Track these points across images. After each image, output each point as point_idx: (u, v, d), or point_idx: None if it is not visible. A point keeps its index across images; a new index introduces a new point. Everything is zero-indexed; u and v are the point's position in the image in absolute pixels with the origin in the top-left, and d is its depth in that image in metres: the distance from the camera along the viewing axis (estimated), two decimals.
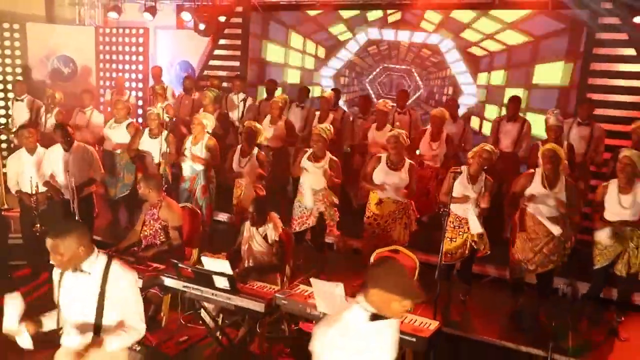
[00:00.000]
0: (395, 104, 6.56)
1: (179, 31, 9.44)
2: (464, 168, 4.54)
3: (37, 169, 5.28)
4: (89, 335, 2.67)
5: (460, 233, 4.46)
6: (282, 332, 4.52)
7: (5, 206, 5.53)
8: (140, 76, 9.03)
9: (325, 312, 3.40)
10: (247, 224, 4.45)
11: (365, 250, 4.94)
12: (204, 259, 3.83)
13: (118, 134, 6.29)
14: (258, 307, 3.68)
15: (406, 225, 4.86)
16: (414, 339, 3.15)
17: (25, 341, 2.75)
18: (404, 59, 7.40)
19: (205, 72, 8.25)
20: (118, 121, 6.31)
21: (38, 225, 5.19)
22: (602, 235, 4.34)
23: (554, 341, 3.77)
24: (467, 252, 4.50)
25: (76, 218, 5.13)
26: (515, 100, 5.97)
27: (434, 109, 6.24)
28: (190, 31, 9.23)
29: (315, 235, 5.20)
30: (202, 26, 8.68)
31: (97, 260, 2.68)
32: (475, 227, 4.39)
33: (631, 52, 5.86)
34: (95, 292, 2.65)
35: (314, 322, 4.30)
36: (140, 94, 9.01)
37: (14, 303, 2.69)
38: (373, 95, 7.47)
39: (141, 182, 4.65)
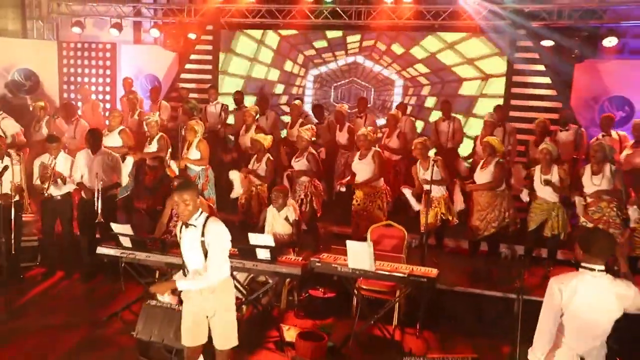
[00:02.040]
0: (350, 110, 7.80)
1: (141, 46, 10.08)
2: None
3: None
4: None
5: (432, 208, 5.72)
6: (293, 301, 5.56)
7: (29, 211, 5.98)
8: (108, 88, 9.54)
9: (356, 268, 4.49)
10: (270, 210, 5.42)
11: (354, 229, 6.08)
12: (251, 235, 4.74)
13: (112, 140, 6.88)
14: (295, 271, 4.69)
15: (380, 207, 6.05)
16: (425, 279, 4.36)
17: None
18: (365, 78, 8.67)
19: (179, 85, 8.97)
20: (111, 129, 6.91)
21: None
22: (532, 205, 5.80)
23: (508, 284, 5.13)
24: (438, 222, 5.80)
25: (99, 218, 5.83)
26: (446, 102, 7.44)
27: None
28: (154, 46, 9.96)
29: (307, 219, 6.25)
30: (169, 42, 9.48)
31: (199, 217, 3.49)
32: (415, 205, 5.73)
33: (541, 67, 7.51)
34: (199, 241, 3.45)
35: (321, 290, 5.43)
36: (108, 105, 9.51)
37: None
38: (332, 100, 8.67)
39: (177, 179, 5.45)
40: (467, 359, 4.01)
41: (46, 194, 5.82)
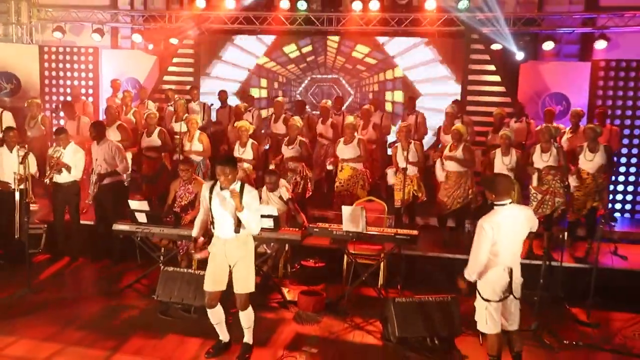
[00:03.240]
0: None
1: (122, 51, 10.57)
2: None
3: None
4: (232, 234, 4.22)
5: (407, 185, 6.58)
6: (287, 272, 6.27)
7: (32, 200, 6.41)
8: (90, 91, 9.96)
9: (350, 230, 5.27)
10: (263, 190, 6.12)
11: (337, 207, 6.85)
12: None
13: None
14: (295, 237, 5.43)
15: (362, 187, 6.88)
16: (409, 237, 5.21)
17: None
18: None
19: (162, 87, 9.52)
20: (109, 124, 7.43)
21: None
22: None
23: None
24: (410, 198, 6.67)
25: (90, 199, 6.40)
26: (411, 99, 8.37)
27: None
28: (134, 51, 10.49)
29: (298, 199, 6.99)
30: (150, 46, 10.04)
31: (236, 184, 4.17)
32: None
33: (492, 67, 8.58)
34: (233, 204, 4.14)
35: (312, 260, 6.15)
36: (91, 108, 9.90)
37: None
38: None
39: (182, 165, 6.08)
40: (447, 298, 4.85)
41: (47, 182, 6.28)
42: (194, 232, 4.48)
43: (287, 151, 6.90)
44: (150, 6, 10.61)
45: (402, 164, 6.46)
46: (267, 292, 5.73)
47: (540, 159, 6.43)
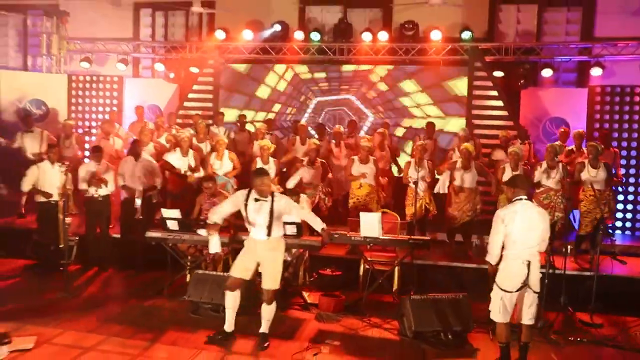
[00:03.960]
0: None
1: (145, 79, 11.21)
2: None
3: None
4: (265, 237, 4.65)
5: (418, 200, 7.01)
6: (306, 281, 6.64)
7: (73, 211, 6.89)
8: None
9: (367, 236, 5.68)
10: None
11: (352, 222, 7.26)
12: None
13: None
14: (316, 243, 5.85)
15: (377, 201, 7.32)
16: (422, 241, 5.62)
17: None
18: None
19: (181, 112, 10.08)
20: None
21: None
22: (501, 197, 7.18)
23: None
24: (422, 212, 7.09)
25: (138, 215, 6.84)
26: (430, 124, 8.86)
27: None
28: (155, 79, 11.12)
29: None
30: (171, 75, 10.67)
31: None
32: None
33: (494, 93, 9.14)
34: (267, 211, 4.65)
35: (329, 270, 6.53)
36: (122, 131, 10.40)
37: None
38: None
39: (205, 182, 6.54)
40: (459, 296, 5.23)
41: (94, 195, 6.78)
42: (213, 219, 4.88)
43: (307, 171, 7.35)
44: (170, 37, 11.31)
45: (414, 178, 6.89)
46: (289, 297, 6.09)
47: (549, 176, 6.87)
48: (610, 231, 7.91)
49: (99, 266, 7.13)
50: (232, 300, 4.80)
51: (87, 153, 9.38)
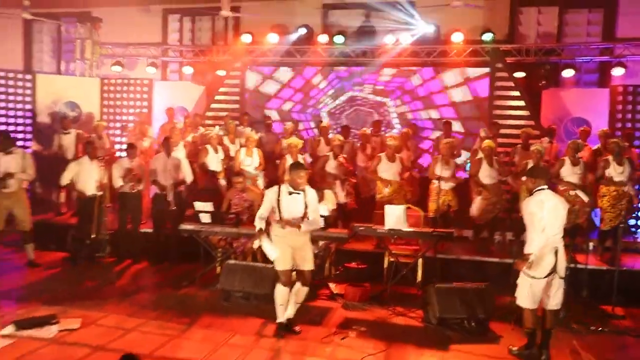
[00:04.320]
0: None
1: (173, 82, 11.58)
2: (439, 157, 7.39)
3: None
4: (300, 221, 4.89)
5: (442, 196, 7.19)
6: (331, 275, 6.85)
7: (109, 205, 7.23)
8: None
9: (392, 228, 5.88)
10: None
11: (378, 216, 7.46)
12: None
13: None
14: (343, 235, 6.07)
15: (403, 198, 7.50)
16: (445, 233, 5.81)
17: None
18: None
19: (209, 113, 10.42)
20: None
21: None
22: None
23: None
24: (445, 208, 7.27)
25: (172, 207, 7.15)
26: (447, 123, 9.04)
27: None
28: (181, 82, 11.48)
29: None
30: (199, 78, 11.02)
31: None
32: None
33: (516, 93, 9.28)
34: (302, 202, 4.90)
35: (355, 263, 6.73)
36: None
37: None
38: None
39: (235, 177, 6.82)
40: (482, 286, 5.40)
41: (129, 190, 7.11)
42: (259, 225, 5.10)
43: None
44: (197, 42, 11.69)
45: (440, 173, 7.05)
46: (315, 289, 6.28)
47: (572, 172, 6.99)
48: (633, 229, 7.97)
49: (132, 259, 7.44)
50: (282, 296, 4.94)
51: (117, 153, 9.77)
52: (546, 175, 4.74)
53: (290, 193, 4.91)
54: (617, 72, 9.18)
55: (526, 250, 4.47)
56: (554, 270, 4.44)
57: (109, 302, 5.67)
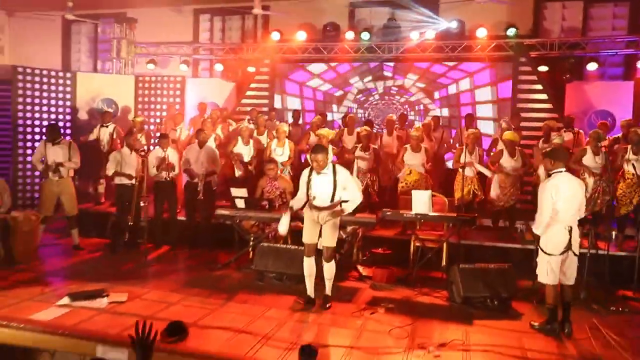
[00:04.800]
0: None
1: (203, 79, 12.03)
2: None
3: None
4: (328, 203, 5.20)
5: (467, 185, 7.43)
6: (358, 260, 7.13)
7: (146, 195, 7.65)
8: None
9: (418, 212, 6.15)
10: None
11: (402, 204, 7.73)
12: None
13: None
14: (371, 219, 6.35)
15: (426, 187, 7.74)
16: (469, 218, 6.04)
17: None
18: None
19: (238, 108, 10.83)
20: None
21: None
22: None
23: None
24: (470, 197, 7.49)
25: (200, 195, 7.53)
26: (469, 115, 9.25)
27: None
28: (212, 79, 11.91)
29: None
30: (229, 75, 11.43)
31: (329, 167, 5.24)
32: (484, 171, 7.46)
33: (539, 87, 9.43)
34: (331, 182, 5.19)
35: (381, 249, 7.00)
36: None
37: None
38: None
39: (268, 164, 7.17)
40: (505, 266, 5.63)
41: (164, 179, 7.53)
42: (296, 205, 5.44)
43: (362, 155, 7.88)
44: (227, 40, 12.11)
45: (464, 162, 7.28)
46: (344, 271, 6.60)
47: (594, 161, 7.15)
48: None
49: (169, 245, 7.84)
50: (310, 267, 5.33)
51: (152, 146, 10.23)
52: (565, 158, 4.94)
53: (319, 174, 5.22)
54: None
55: (533, 228, 4.81)
56: (568, 248, 4.67)
57: (150, 281, 6.07)
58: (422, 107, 10.51)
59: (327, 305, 5.31)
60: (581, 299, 5.60)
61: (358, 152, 7.97)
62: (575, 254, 4.75)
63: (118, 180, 7.61)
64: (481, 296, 5.44)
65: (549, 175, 4.89)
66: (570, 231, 4.70)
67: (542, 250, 4.78)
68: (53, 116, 10.77)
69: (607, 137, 8.30)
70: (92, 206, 9.24)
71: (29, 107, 10.42)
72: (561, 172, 4.79)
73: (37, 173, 10.38)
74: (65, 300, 5.11)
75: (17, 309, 4.91)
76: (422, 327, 4.87)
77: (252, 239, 6.99)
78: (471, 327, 4.92)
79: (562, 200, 4.68)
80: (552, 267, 4.72)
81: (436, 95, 10.46)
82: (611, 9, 10.22)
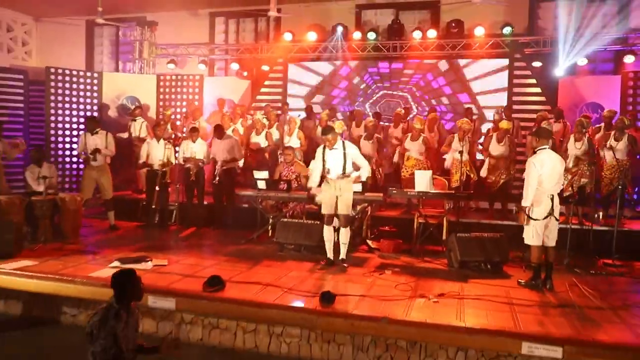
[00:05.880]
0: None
1: (219, 78, 12.86)
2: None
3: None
4: (340, 174, 5.99)
5: (462, 167, 8.20)
6: (367, 237, 7.91)
7: (170, 181, 8.49)
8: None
9: (421, 190, 6.93)
10: None
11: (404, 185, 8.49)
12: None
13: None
14: (379, 197, 7.14)
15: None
16: (466, 194, 6.82)
17: None
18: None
19: (254, 104, 11.65)
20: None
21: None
22: None
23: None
24: (465, 178, 8.28)
25: (217, 180, 8.33)
26: (468, 109, 10.03)
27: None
28: (228, 77, 12.73)
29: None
30: (245, 73, 12.25)
31: (339, 143, 6.04)
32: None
33: (533, 81, 10.19)
34: (341, 156, 5.99)
35: (387, 227, 7.77)
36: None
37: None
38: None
39: (285, 150, 7.97)
40: (498, 235, 6.39)
41: (188, 167, 8.35)
42: (313, 184, 6.25)
43: (365, 144, 8.67)
44: (241, 41, 12.93)
45: (458, 149, 8.06)
46: (355, 245, 7.37)
47: (574, 147, 7.90)
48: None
49: (195, 226, 8.65)
50: (329, 234, 6.15)
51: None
52: (549, 137, 5.70)
53: (331, 149, 6.02)
54: (629, 59, 9.99)
55: (522, 203, 5.53)
56: (551, 213, 5.43)
57: (184, 252, 6.89)
58: (423, 101, 11.28)
59: (345, 266, 6.11)
60: (565, 264, 6.36)
61: (362, 141, 8.76)
62: (556, 219, 5.51)
63: (147, 167, 8.43)
64: (476, 260, 6.20)
65: (534, 152, 5.65)
66: (552, 199, 5.46)
67: (529, 217, 5.54)
68: (82, 113, 11.61)
69: (591, 126, 9.07)
70: (131, 194, 10.06)
71: (60, 105, 11.28)
72: (545, 148, 5.55)
73: (67, 166, 11.31)
74: (116, 263, 5.92)
75: (77, 269, 5.74)
76: (424, 284, 5.64)
77: (271, 217, 7.79)
78: (466, 284, 5.69)
79: (546, 172, 5.43)
80: (537, 230, 5.48)
81: (439, 94, 11.23)
82: (601, 8, 10.95)
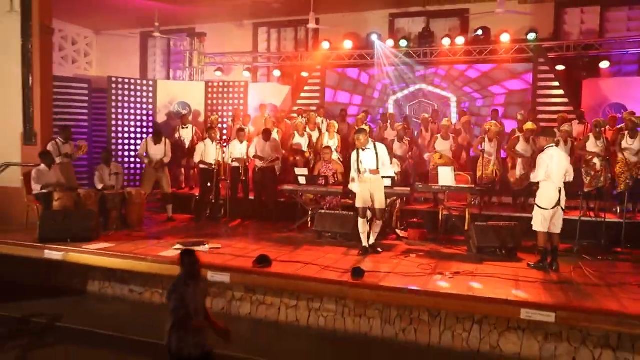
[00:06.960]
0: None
1: (262, 84, 13.91)
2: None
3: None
4: (375, 169, 6.84)
5: (489, 166, 8.92)
6: (395, 228, 8.72)
7: (224, 178, 9.55)
8: (241, 113, 13.25)
9: (444, 185, 7.71)
10: None
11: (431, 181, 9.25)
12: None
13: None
14: (406, 191, 7.96)
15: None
16: (486, 188, 7.57)
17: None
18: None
19: (295, 108, 12.63)
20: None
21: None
22: None
23: None
24: (493, 176, 8.99)
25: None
26: (495, 110, 10.70)
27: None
28: (270, 83, 13.76)
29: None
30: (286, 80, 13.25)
31: (370, 144, 6.89)
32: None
33: (556, 84, 10.78)
34: (374, 155, 6.84)
35: (415, 219, 8.58)
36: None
37: None
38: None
39: (324, 149, 8.88)
40: (513, 224, 7.12)
41: (241, 166, 9.37)
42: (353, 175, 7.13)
43: (398, 146, 9.50)
44: (282, 49, 13.95)
45: (489, 150, 8.81)
46: (386, 235, 8.20)
47: (595, 145, 8.50)
48: None
49: (241, 219, 9.66)
50: (364, 227, 6.97)
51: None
52: (554, 135, 6.44)
53: (364, 150, 6.88)
54: None
55: (532, 179, 6.35)
56: (558, 204, 6.14)
57: (233, 239, 7.88)
58: (454, 104, 12.00)
59: (379, 250, 6.98)
60: (574, 252, 7.02)
61: (395, 144, 9.59)
62: (562, 209, 6.21)
63: (202, 166, 9.50)
64: (492, 246, 6.95)
65: (542, 150, 6.36)
66: (559, 191, 6.16)
67: (538, 206, 6.26)
68: (139, 117, 12.85)
69: (612, 127, 9.61)
70: (176, 190, 11.19)
71: (120, 110, 12.55)
72: (552, 146, 6.27)
73: (125, 165, 12.54)
74: (178, 245, 6.96)
75: (146, 250, 6.80)
76: (443, 265, 6.45)
77: (311, 210, 8.71)
78: (481, 265, 6.47)
79: (554, 167, 6.15)
80: (545, 217, 6.20)
81: (466, 92, 11.93)
82: (626, 12, 11.42)
